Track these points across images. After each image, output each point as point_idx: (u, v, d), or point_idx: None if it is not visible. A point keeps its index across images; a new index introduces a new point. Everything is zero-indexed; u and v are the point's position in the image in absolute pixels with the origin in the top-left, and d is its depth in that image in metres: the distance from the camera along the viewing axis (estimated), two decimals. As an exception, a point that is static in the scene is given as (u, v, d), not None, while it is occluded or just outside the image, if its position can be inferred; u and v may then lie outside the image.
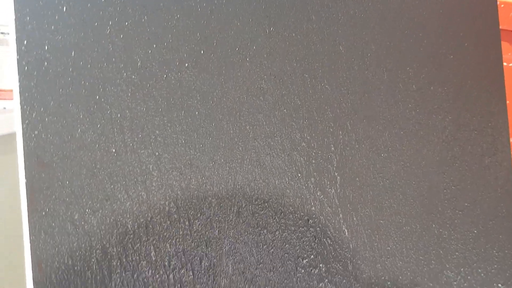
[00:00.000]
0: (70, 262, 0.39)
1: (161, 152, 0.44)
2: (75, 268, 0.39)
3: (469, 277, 0.72)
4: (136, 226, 0.42)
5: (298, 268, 0.53)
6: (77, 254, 0.39)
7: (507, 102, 1.07)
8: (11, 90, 1.07)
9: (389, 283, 0.62)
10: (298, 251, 0.53)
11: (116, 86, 0.41)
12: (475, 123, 0.75)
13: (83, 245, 0.39)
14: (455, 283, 0.70)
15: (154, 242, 0.43)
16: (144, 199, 0.43)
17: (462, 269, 0.71)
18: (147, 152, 0.43)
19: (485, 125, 0.76)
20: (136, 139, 0.42)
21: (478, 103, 0.74)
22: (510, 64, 1.08)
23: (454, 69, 0.72)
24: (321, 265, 0.55)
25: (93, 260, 0.40)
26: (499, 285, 0.77)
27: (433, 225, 0.69)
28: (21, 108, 0.37)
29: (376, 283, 0.61)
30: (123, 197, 0.42)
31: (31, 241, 0.37)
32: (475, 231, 0.75)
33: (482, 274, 0.75)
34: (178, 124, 0.45)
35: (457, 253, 0.71)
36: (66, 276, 0.38)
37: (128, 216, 0.42)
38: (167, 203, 0.44)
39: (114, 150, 0.41)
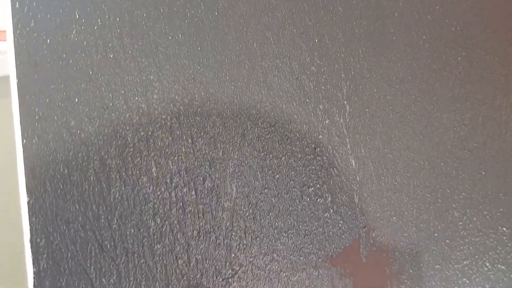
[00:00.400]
0: (66, 172, 0.36)
1: (163, 63, 0.41)
2: (71, 178, 0.37)
3: (474, 218, 0.71)
4: (136, 140, 0.40)
5: (304, 196, 0.51)
6: (74, 163, 0.37)
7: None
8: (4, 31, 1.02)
9: (394, 218, 0.60)
10: (304, 179, 0.51)
11: (114, -15, 0.38)
12: (488, 61, 0.72)
13: (79, 154, 0.37)
14: (460, 223, 0.69)
15: (155, 158, 0.41)
16: (144, 111, 0.40)
17: (468, 210, 0.70)
18: (148, 61, 0.40)
19: (498, 65, 0.72)
20: (136, 46, 0.39)
21: (493, 41, 0.71)
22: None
23: (470, 4, 0.68)
24: (327, 195, 0.53)
25: (90, 171, 0.37)
26: (504, 229, 0.75)
27: (441, 163, 0.67)
28: (11, 1, 0.34)
29: (381, 217, 0.59)
30: (122, 107, 0.39)
31: (24, 146, 0.35)
32: (483, 173, 0.73)
33: (488, 217, 0.73)
34: (181, 33, 0.41)
35: (464, 194, 0.69)
36: (62, 186, 0.36)
37: (127, 128, 0.39)
38: (169, 118, 0.42)
39: (112, 56, 0.38)
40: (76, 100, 0.36)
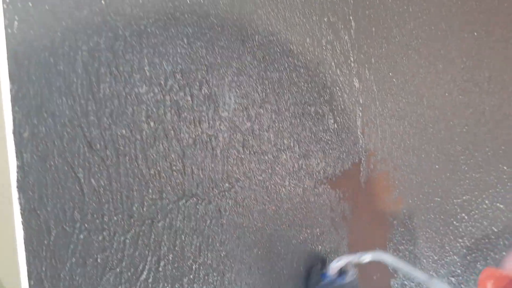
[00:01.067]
0: (52, 60, 0.33)
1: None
2: (58, 67, 0.34)
3: (476, 154, 0.69)
4: (128, 33, 0.37)
5: (305, 114, 0.49)
6: (60, 52, 0.34)
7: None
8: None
9: (395, 145, 0.58)
10: (306, 97, 0.49)
11: None
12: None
13: (67, 43, 0.34)
14: (462, 157, 0.67)
15: (149, 55, 0.38)
16: (138, 2, 0.37)
17: (470, 145, 0.68)
18: None
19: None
20: None
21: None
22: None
23: None
24: (329, 115, 0.51)
25: (78, 62, 0.34)
26: (505, 167, 0.74)
27: (446, 94, 0.64)
28: None
29: (383, 143, 0.57)
30: (113, -4, 0.36)
31: (6, 29, 0.31)
32: (487, 108, 0.71)
33: (489, 153, 0.72)
34: None
35: (466, 127, 0.67)
36: (48, 75, 0.33)
37: (118, 18, 0.36)
38: (162, 13, 0.38)
39: None
40: (62, -19, 0.33)
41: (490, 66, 0.70)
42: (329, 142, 0.51)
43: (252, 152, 0.45)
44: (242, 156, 0.44)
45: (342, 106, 0.52)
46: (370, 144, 0.55)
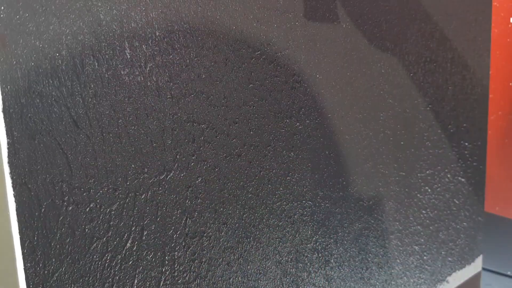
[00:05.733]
0: (38, 44, 0.36)
1: None
2: (44, 51, 0.36)
3: (439, 131, 0.74)
4: (109, 19, 0.39)
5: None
6: (45, 36, 0.36)
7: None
8: None
9: (361, 124, 0.62)
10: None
11: None
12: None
13: (51, 27, 0.36)
14: (425, 134, 0.72)
15: (129, 39, 0.40)
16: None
17: (434, 122, 0.73)
18: None
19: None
20: None
21: None
22: None
23: None
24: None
25: (63, 44, 0.37)
26: (466, 143, 0.79)
27: (411, 74, 0.68)
28: None
29: (345, 117, 0.61)
30: (94, -18, 0.38)
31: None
32: (450, 88, 0.75)
33: (451, 130, 0.76)
34: None
35: (430, 106, 0.72)
36: (34, 58, 0.35)
37: (100, 4, 0.38)
38: (143, -1, 0.41)
39: None
40: (46, -31, 0.35)
41: (453, 48, 0.74)
42: (301, 120, 0.55)
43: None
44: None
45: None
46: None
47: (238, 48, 0.48)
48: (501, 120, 1.15)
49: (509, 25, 1.08)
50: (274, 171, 0.52)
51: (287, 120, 0.53)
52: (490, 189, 1.18)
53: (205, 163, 0.46)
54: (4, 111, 0.34)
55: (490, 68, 0.99)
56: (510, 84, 1.15)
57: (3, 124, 0.35)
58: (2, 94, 0.34)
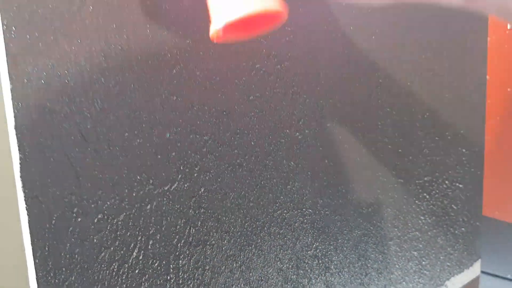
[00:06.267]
0: (49, 63, 0.37)
1: None
2: (55, 71, 0.38)
3: (436, 138, 0.76)
4: (117, 37, 0.41)
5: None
6: (54, 55, 0.38)
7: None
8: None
9: (358, 130, 0.64)
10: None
11: None
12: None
13: (60, 46, 0.38)
14: (423, 141, 0.73)
15: (136, 56, 0.42)
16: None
17: (431, 130, 0.74)
18: None
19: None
20: None
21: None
22: None
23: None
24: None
25: (71, 62, 0.38)
26: (463, 150, 0.80)
27: (408, 83, 0.70)
28: None
29: (344, 127, 0.62)
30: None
31: (5, 36, 0.35)
32: (447, 95, 0.77)
33: (449, 137, 0.78)
34: None
35: (428, 113, 0.73)
36: (46, 77, 0.37)
37: (107, 23, 0.40)
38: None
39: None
40: None
41: (449, 57, 0.75)
42: (300, 131, 0.56)
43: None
44: (221, 145, 0.49)
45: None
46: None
47: (239, 62, 0.50)
48: (500, 126, 1.17)
49: (507, 31, 1.10)
50: (274, 180, 0.54)
51: (287, 131, 0.55)
52: (489, 193, 1.20)
53: (208, 173, 0.48)
54: (16, 127, 0.36)
55: (489, 74, 1.01)
56: (508, 90, 1.17)
57: (16, 140, 0.36)
58: (14, 111, 0.36)
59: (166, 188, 0.45)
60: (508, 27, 1.09)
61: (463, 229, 0.82)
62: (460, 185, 0.81)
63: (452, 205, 0.80)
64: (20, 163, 0.36)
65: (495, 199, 1.18)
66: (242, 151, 0.51)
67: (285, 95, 0.54)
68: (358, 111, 0.63)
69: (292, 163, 0.56)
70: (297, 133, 0.56)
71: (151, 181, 0.44)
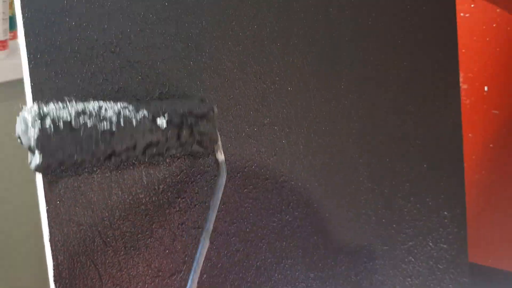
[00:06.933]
0: (75, 184, 0.46)
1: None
2: (80, 188, 0.46)
3: (418, 205, 0.83)
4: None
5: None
6: (79, 178, 0.46)
7: (463, 50, 1.16)
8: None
9: (344, 206, 0.71)
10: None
11: None
12: (428, 68, 0.83)
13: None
14: (405, 209, 0.81)
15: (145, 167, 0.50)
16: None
17: (412, 198, 0.82)
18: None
19: (437, 71, 0.84)
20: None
21: (431, 50, 0.83)
22: (467, 15, 1.16)
23: (409, 20, 0.79)
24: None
25: (94, 181, 0.47)
26: (445, 212, 0.88)
27: (387, 159, 0.78)
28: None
29: (330, 204, 0.70)
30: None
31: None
32: (425, 165, 0.85)
33: (430, 203, 0.85)
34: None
35: (408, 184, 0.81)
36: (72, 195, 0.46)
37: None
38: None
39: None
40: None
41: (425, 129, 0.84)
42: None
43: (228, 229, 0.57)
44: (220, 233, 0.57)
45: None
46: (320, 214, 0.68)
47: (233, 161, 0.58)
48: (484, 181, 1.24)
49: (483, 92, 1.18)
50: (269, 260, 0.61)
51: (278, 215, 0.63)
52: (482, 241, 1.26)
53: (209, 261, 0.55)
54: (50, 240, 0.44)
55: (471, 132, 1.09)
56: (490, 145, 1.25)
57: (50, 251, 0.44)
58: (48, 226, 0.44)
59: (173, 278, 0.52)
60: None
61: (450, 286, 0.88)
62: (445, 246, 0.88)
63: (438, 265, 0.86)
64: (53, 270, 0.44)
65: (490, 246, 1.24)
66: (239, 238, 0.58)
67: (276, 184, 0.63)
68: (343, 191, 0.70)
69: (284, 243, 0.63)
70: (287, 216, 0.64)
71: (160, 273, 0.51)
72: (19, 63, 0.43)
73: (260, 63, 0.61)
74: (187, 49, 0.54)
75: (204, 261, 0.55)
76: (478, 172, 1.27)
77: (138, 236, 0.50)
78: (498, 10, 1.13)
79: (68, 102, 0.42)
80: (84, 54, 0.46)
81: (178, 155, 0.52)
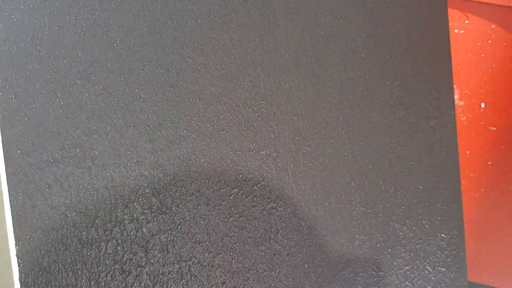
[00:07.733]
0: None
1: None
2: (65, 242, 0.44)
3: (414, 228, 0.81)
4: (110, 191, 0.47)
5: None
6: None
7: (458, 67, 1.15)
8: None
9: (336, 232, 0.69)
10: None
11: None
12: (419, 88, 0.81)
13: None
14: (400, 233, 0.78)
15: (128, 214, 0.48)
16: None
17: (407, 221, 0.79)
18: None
19: (429, 90, 0.82)
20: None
21: (424, 69, 0.81)
22: (461, 31, 1.15)
23: (401, 38, 0.77)
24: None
25: (82, 239, 0.45)
26: (443, 235, 0.85)
27: (380, 182, 0.76)
28: None
29: (322, 230, 0.68)
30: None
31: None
32: (420, 187, 0.82)
33: (427, 226, 0.83)
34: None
35: (403, 207, 0.79)
36: (58, 255, 0.43)
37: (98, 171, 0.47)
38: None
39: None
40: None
41: (420, 152, 0.82)
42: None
43: (213, 261, 0.55)
44: (205, 265, 0.54)
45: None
46: (318, 238, 0.66)
47: (218, 189, 0.56)
48: (481, 198, 1.22)
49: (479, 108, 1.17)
50: (257, 292, 0.59)
51: (267, 243, 0.60)
52: (483, 259, 1.23)
53: (194, 295, 0.53)
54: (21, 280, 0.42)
55: (469, 149, 1.07)
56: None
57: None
58: (19, 266, 0.42)
59: (154, 314, 0.50)
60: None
61: (450, 311, 0.85)
62: (443, 269, 0.85)
63: (436, 289, 0.84)
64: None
65: (491, 265, 1.21)
66: (224, 269, 0.56)
67: (263, 211, 0.60)
68: (334, 216, 0.68)
69: (273, 273, 0.61)
70: (276, 244, 0.61)
71: (140, 310, 0.49)
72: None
73: (245, 88, 0.59)
74: (168, 74, 0.52)
75: (187, 295, 0.52)
76: (477, 190, 1.25)
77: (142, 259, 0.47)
78: (493, 26, 1.12)
79: None
80: (57, 83, 0.44)
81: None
